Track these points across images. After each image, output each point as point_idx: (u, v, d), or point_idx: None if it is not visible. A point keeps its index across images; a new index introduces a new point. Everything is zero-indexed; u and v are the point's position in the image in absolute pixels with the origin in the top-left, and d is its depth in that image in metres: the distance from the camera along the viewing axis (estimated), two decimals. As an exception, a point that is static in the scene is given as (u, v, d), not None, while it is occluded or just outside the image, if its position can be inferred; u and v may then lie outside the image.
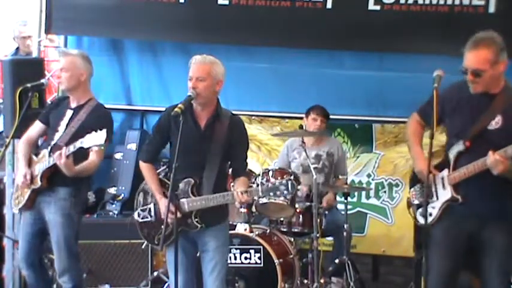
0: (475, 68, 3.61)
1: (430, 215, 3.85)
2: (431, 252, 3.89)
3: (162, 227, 3.89)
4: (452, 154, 3.80)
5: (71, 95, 4.62)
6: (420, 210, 3.92)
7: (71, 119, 4.54)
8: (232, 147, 4.02)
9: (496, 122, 3.67)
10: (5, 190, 5.72)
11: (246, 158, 4.18)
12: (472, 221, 3.73)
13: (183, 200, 3.96)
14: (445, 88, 3.92)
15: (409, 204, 4.06)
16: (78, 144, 4.20)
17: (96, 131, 4.20)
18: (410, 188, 4.09)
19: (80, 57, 4.62)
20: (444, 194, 3.82)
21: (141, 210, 4.17)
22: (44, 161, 4.47)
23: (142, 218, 4.16)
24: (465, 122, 3.72)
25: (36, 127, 4.71)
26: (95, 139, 4.12)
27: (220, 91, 4.04)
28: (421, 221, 3.92)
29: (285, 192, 3.80)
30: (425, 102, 4.01)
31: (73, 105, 4.60)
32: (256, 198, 3.87)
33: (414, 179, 4.04)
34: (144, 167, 4.20)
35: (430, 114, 3.85)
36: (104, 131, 4.12)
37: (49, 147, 4.51)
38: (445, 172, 3.83)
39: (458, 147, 3.75)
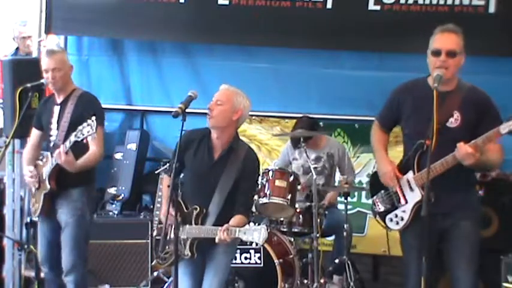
0: (450, 48, 3.63)
1: (402, 219, 3.83)
2: (406, 257, 3.90)
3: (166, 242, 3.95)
4: (414, 155, 3.77)
5: (60, 92, 4.63)
6: (390, 216, 3.90)
7: (60, 114, 4.57)
8: (241, 181, 3.96)
9: (455, 119, 3.68)
10: (5, 190, 5.72)
11: (253, 195, 4.11)
12: (439, 219, 3.68)
13: (186, 226, 3.93)
14: (398, 88, 3.94)
15: (375, 212, 4.02)
16: (73, 138, 4.21)
17: (88, 119, 4.22)
18: (372, 196, 4.04)
19: (65, 53, 4.73)
20: (413, 195, 3.78)
21: (159, 227, 4.20)
22: (48, 164, 4.49)
23: (158, 236, 4.18)
24: (423, 121, 3.67)
25: (34, 135, 4.76)
26: (87, 129, 4.13)
27: (239, 123, 4.01)
28: (393, 226, 3.91)
29: (256, 239, 3.63)
30: (383, 107, 4.05)
31: (59, 100, 4.63)
32: (233, 237, 3.77)
33: (375, 186, 4.01)
34: (163, 178, 4.26)
35: (387, 119, 3.99)
36: (93, 118, 4.13)
37: (50, 150, 4.54)
38: (410, 174, 3.80)
39: (419, 147, 3.72)
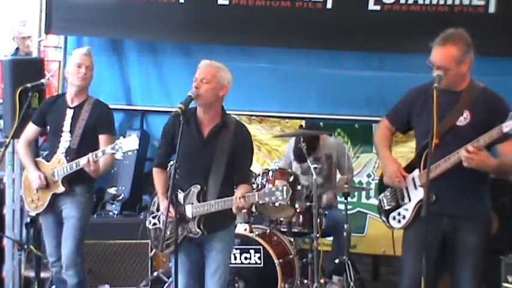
0: (441, 65, 3.62)
1: (404, 217, 3.83)
2: (405, 256, 3.88)
3: (166, 228, 3.92)
4: (421, 153, 3.75)
5: (77, 93, 4.67)
6: (393, 214, 3.89)
7: (73, 118, 4.63)
8: (236, 155, 3.99)
9: (464, 118, 3.66)
10: (5, 190, 5.72)
11: (250, 166, 4.15)
12: (444, 221, 3.68)
13: (188, 206, 3.96)
14: (413, 89, 3.93)
15: (380, 210, 4.01)
16: (109, 150, 4.33)
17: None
18: (379, 194, 4.02)
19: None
20: (416, 194, 3.77)
21: (152, 217, 4.20)
22: (63, 166, 4.54)
23: (152, 225, 4.19)
24: (432, 120, 3.60)
25: (31, 129, 4.78)
26: (129, 145, 4.26)
27: (224, 98, 4.02)
28: (395, 225, 3.90)
29: (280, 197, 3.76)
30: (395, 106, 4.02)
31: (72, 104, 4.68)
32: (253, 203, 3.85)
33: (383, 184, 3.98)
34: (154, 171, 4.23)
35: (399, 119, 3.94)
36: (135, 135, 4.34)
37: (60, 151, 4.59)
38: (416, 172, 3.79)
39: (427, 145, 3.65)
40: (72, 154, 4.55)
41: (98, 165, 4.47)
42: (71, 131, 4.61)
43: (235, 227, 4.96)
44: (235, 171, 4.01)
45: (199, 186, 3.95)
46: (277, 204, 3.93)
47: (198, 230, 3.95)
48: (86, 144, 4.56)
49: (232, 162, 3.98)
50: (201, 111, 4.01)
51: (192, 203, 3.95)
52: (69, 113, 4.65)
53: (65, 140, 4.62)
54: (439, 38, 3.66)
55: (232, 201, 3.84)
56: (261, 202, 3.85)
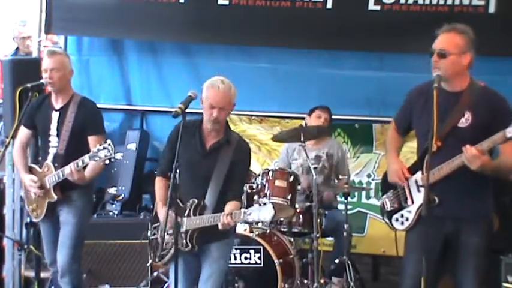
0: (441, 47, 3.58)
1: (407, 219, 3.81)
2: (407, 257, 3.85)
3: (164, 239, 3.95)
4: (423, 155, 3.71)
5: (57, 94, 4.62)
6: (396, 215, 3.87)
7: (59, 121, 4.57)
8: (234, 170, 4.01)
9: (466, 119, 3.62)
10: (5, 190, 5.73)
11: (244, 184, 4.21)
12: (447, 223, 3.66)
13: (184, 219, 3.97)
14: (413, 90, 3.90)
15: (383, 211, 3.99)
16: (87, 160, 4.27)
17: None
18: (382, 195, 4.01)
19: (66, 56, 4.73)
20: (419, 196, 3.73)
21: (153, 227, 4.20)
22: (52, 175, 4.50)
23: (153, 235, 4.19)
24: (432, 121, 3.58)
25: (23, 132, 4.76)
26: (103, 152, 4.20)
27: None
28: (398, 227, 3.88)
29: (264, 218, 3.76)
30: (400, 109, 3.99)
31: (57, 105, 4.62)
32: (238, 221, 3.87)
33: (386, 185, 3.98)
34: (157, 180, 4.23)
35: (402, 125, 3.93)
36: (109, 141, 4.22)
37: (50, 158, 4.55)
38: (419, 174, 3.77)
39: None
40: (60, 160, 4.49)
41: (82, 173, 4.38)
42: (58, 135, 4.55)
43: (235, 231, 5.00)
44: (228, 187, 4.01)
45: (196, 200, 3.97)
46: (260, 224, 3.94)
47: (189, 243, 3.94)
48: (75, 147, 4.49)
49: (230, 177, 4.00)
50: (208, 126, 4.02)
51: (188, 216, 3.96)
52: (55, 115, 4.59)
53: (53, 145, 4.57)
54: (445, 26, 3.63)
55: (218, 218, 3.85)
56: (248, 220, 3.85)
